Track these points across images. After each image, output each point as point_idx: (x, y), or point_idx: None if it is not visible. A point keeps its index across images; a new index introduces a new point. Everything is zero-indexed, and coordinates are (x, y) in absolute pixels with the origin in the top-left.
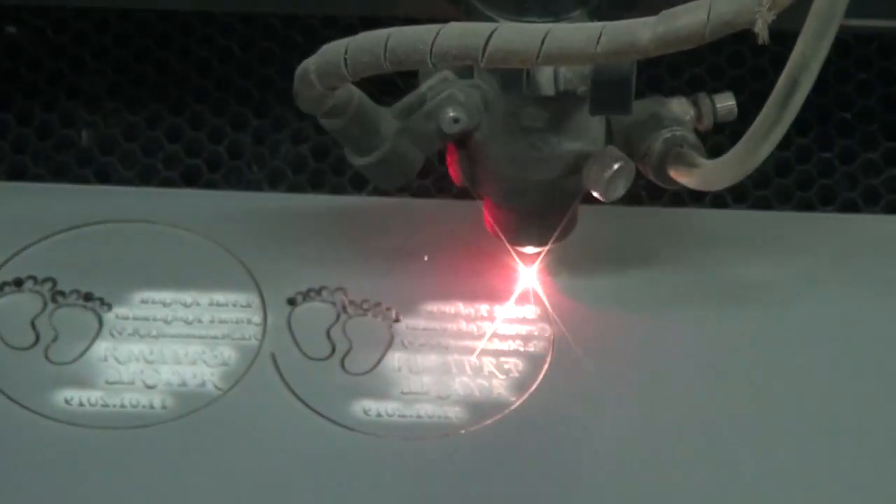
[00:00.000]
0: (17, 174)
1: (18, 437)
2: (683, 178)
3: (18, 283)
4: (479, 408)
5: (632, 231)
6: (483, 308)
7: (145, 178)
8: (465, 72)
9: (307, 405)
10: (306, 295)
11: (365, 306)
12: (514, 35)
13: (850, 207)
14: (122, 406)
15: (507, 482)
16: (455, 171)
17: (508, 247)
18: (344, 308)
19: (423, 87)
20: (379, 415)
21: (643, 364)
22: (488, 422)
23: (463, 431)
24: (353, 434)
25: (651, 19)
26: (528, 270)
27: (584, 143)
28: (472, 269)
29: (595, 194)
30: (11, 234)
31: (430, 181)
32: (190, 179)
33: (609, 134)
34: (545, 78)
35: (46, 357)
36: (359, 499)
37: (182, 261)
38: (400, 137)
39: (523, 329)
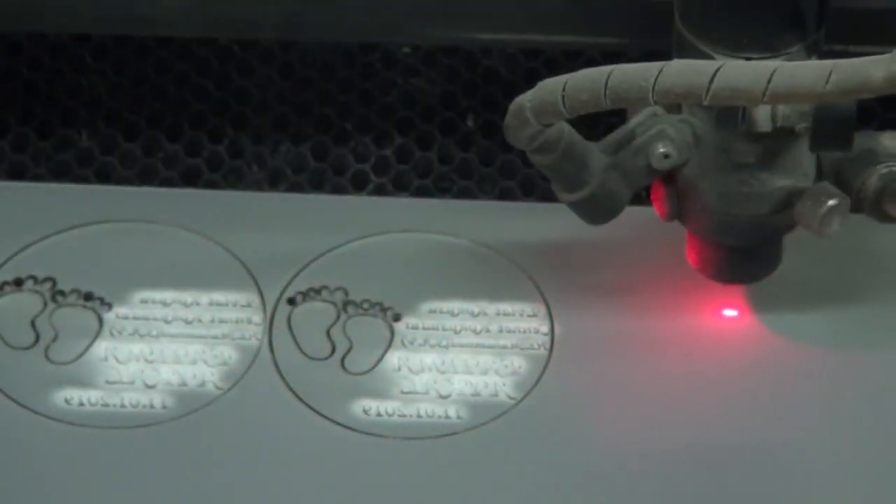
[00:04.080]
0: (17, 174)
1: (18, 437)
2: None
3: (18, 282)
4: (480, 407)
5: (632, 230)
6: (483, 307)
7: (145, 177)
8: (674, 107)
9: (307, 405)
10: (306, 295)
11: (365, 306)
12: (741, 73)
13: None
14: (122, 406)
15: (507, 482)
16: (662, 207)
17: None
18: (344, 307)
19: (632, 122)
20: (379, 414)
21: (644, 364)
22: (488, 422)
23: (463, 431)
24: (353, 434)
25: (883, 57)
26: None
27: (796, 179)
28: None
29: (808, 231)
30: (11, 233)
31: (430, 180)
32: (190, 179)
33: (819, 169)
34: (762, 114)
35: (46, 357)
36: (359, 499)
37: (182, 260)
38: (609, 173)
39: (524, 328)
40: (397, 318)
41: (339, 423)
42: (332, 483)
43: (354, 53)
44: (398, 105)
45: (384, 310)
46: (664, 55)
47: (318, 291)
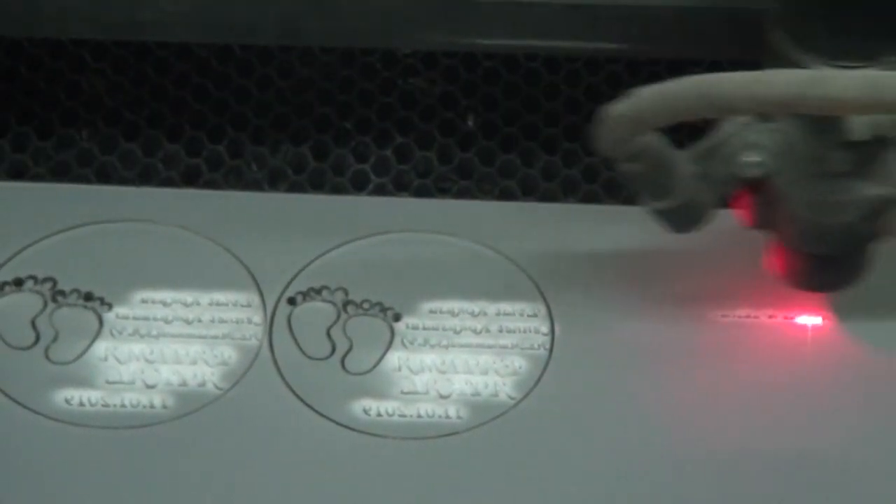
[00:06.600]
0: (17, 174)
1: (18, 437)
2: None
3: (18, 282)
4: (480, 407)
5: (633, 230)
6: (483, 307)
7: (145, 177)
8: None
9: (307, 405)
10: (306, 294)
11: (365, 306)
12: (850, 84)
13: None
14: (123, 406)
15: (508, 482)
16: (748, 215)
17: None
18: (344, 307)
19: (722, 130)
20: (379, 414)
21: (644, 364)
22: (488, 421)
23: (463, 431)
24: (353, 434)
25: None
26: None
27: (887, 188)
28: None
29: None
30: (11, 233)
31: (430, 180)
32: (190, 179)
33: None
34: (859, 123)
35: (46, 357)
36: (359, 499)
37: (182, 260)
38: (696, 181)
39: (524, 328)
40: (397, 318)
41: (339, 423)
42: (332, 483)
43: (354, 53)
44: (398, 105)
45: (384, 310)
46: (664, 60)
47: (318, 291)
